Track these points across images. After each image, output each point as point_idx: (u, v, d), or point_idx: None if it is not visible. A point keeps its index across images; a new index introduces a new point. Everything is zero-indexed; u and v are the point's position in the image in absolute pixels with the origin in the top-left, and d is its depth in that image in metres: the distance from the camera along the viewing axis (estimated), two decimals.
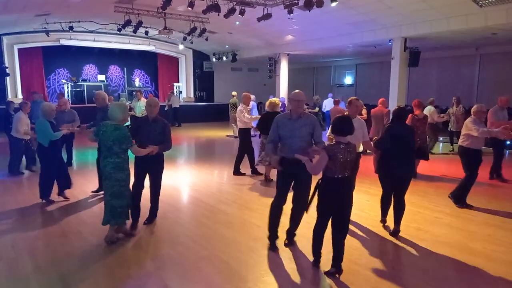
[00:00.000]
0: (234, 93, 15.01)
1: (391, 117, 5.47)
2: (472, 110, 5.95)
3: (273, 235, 4.42)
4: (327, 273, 3.75)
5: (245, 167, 8.20)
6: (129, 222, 4.80)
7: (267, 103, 7.76)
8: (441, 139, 13.10)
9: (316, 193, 3.77)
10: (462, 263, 4.07)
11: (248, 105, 8.57)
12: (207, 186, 7.27)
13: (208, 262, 4.08)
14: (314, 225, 3.86)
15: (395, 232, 4.78)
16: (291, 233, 4.48)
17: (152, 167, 4.95)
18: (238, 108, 8.61)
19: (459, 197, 5.98)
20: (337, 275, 3.70)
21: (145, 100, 11.61)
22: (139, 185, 4.94)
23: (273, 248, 4.35)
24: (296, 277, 3.77)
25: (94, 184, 6.75)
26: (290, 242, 4.47)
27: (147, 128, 4.80)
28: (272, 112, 7.54)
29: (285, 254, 4.27)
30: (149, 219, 5.15)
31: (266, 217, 5.41)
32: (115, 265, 4.02)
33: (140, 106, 11.59)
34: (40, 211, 5.75)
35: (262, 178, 7.79)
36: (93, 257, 4.20)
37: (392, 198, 4.88)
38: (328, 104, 15.90)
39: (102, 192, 6.21)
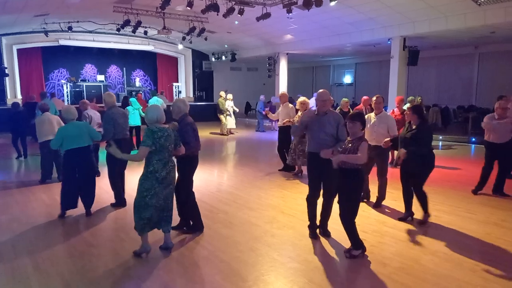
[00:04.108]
0: (222, 93, 14.98)
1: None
2: None
3: (312, 225, 4.78)
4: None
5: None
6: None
7: (297, 103, 7.52)
8: (440, 137, 13.16)
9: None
10: (462, 262, 4.09)
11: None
12: (206, 186, 7.27)
13: (208, 262, 4.10)
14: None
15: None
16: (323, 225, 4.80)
17: None
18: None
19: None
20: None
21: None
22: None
23: (313, 236, 4.70)
24: (295, 276, 3.78)
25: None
26: (325, 233, 4.77)
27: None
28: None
29: (285, 253, 4.28)
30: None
31: (265, 217, 5.47)
32: (115, 265, 4.03)
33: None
34: (40, 211, 5.75)
35: (262, 177, 7.87)
36: (93, 257, 4.20)
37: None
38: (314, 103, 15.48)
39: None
